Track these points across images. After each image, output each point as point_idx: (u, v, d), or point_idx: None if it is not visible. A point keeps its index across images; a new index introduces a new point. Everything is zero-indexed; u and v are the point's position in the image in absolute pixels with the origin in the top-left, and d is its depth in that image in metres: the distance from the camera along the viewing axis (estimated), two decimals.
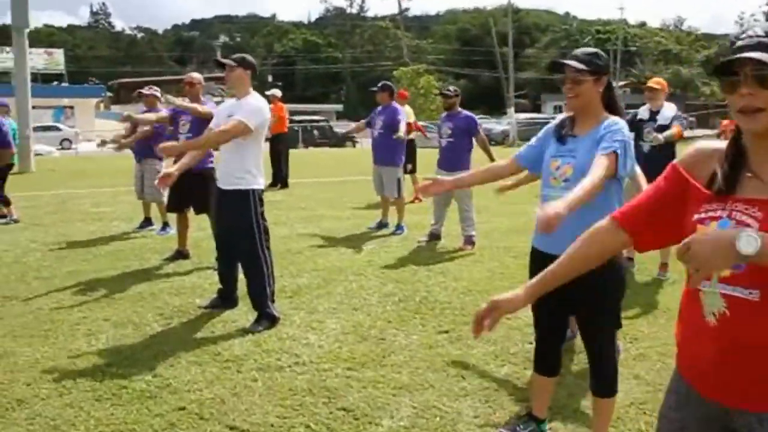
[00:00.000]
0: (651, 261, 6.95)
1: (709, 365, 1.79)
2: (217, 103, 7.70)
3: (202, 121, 6.69)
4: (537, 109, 71.64)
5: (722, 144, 1.84)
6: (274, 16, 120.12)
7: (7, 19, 24.12)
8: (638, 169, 4.86)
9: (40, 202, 12.67)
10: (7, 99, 12.80)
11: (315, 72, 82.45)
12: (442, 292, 6.31)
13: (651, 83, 6.89)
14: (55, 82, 56.13)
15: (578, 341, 4.44)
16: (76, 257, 7.77)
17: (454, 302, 5.99)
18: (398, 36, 77.99)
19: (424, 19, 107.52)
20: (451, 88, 8.72)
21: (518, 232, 9.37)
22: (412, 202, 11.63)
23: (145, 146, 9.19)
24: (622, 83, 67.18)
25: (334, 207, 12.00)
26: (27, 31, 22.19)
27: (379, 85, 9.62)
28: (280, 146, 15.12)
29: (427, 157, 13.12)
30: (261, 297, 5.35)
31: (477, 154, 8.47)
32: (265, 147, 6.26)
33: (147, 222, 9.68)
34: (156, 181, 5.82)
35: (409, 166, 11.31)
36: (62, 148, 36.84)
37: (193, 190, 7.19)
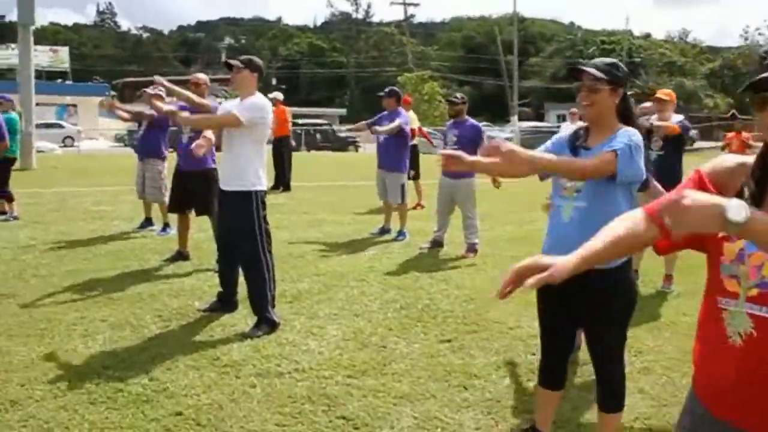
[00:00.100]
0: (655, 273, 6.87)
1: (728, 386, 1.72)
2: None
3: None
4: (540, 117, 71.65)
5: (747, 158, 1.77)
6: (279, 19, 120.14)
7: (14, 16, 24.11)
8: (657, 184, 4.81)
9: (41, 199, 12.61)
10: (11, 95, 12.75)
11: (319, 76, 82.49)
12: (444, 300, 6.24)
13: (660, 94, 6.83)
14: (60, 80, 56.10)
15: (582, 353, 4.38)
16: (76, 256, 7.70)
17: (456, 311, 5.91)
18: (403, 42, 77.97)
19: (430, 26, 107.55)
20: (459, 95, 8.65)
21: (522, 241, 9.31)
22: (414, 208, 11.58)
23: (147, 146, 9.15)
24: None
25: (336, 211, 11.93)
26: (32, 27, 22.16)
27: (386, 90, 9.57)
28: (282, 149, 15.08)
29: (431, 164, 13.09)
30: (261, 301, 5.27)
31: None
32: (268, 150, 6.19)
33: (147, 222, 9.62)
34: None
35: (412, 172, 11.24)
36: (65, 146, 36.85)
37: (195, 191, 7.15)
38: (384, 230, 9.62)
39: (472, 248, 8.30)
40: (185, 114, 5.74)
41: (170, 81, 6.84)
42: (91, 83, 61.86)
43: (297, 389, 4.15)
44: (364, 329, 5.35)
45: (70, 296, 6.07)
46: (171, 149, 9.12)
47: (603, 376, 3.28)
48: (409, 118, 9.81)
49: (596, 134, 3.16)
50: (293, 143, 22.18)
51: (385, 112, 9.37)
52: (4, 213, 10.39)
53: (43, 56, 50.71)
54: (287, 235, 9.14)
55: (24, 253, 7.77)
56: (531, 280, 1.74)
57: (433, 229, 8.86)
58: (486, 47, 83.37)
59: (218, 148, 6.20)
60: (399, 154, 9.27)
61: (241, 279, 5.53)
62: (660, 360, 4.86)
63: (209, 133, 5.95)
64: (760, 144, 1.69)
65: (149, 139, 9.13)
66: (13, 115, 11.09)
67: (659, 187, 4.89)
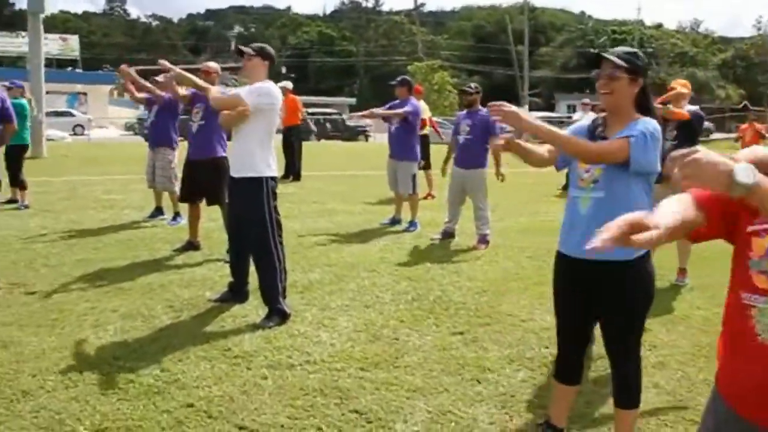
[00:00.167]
0: (669, 267, 6.80)
1: (755, 384, 1.68)
2: None
3: (214, 111, 6.59)
4: (550, 108, 71.42)
5: None
6: (289, 8, 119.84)
7: (24, 4, 24.09)
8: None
9: (51, 188, 12.62)
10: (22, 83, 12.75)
11: (329, 65, 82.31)
12: (456, 292, 6.19)
13: (675, 84, 6.74)
14: (70, 68, 56.16)
15: (596, 347, 4.32)
16: (86, 245, 7.69)
17: (468, 303, 5.87)
18: (413, 31, 77.76)
19: (440, 15, 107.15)
20: (472, 85, 8.57)
21: (533, 232, 9.26)
22: (425, 198, 11.53)
23: (158, 134, 9.12)
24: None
25: (347, 201, 11.90)
26: (42, 15, 22.15)
27: (399, 79, 9.51)
28: (292, 138, 15.03)
29: (441, 154, 13.03)
30: (272, 292, 5.24)
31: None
32: (278, 139, 6.16)
33: (158, 211, 9.60)
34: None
35: (423, 162, 11.18)
36: (75, 134, 36.93)
37: (205, 180, 7.11)
38: (395, 220, 9.58)
39: (483, 240, 8.24)
40: (215, 89, 5.76)
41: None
42: (100, 71, 61.91)
43: (309, 381, 4.12)
44: (376, 321, 5.31)
45: (81, 286, 6.05)
46: (181, 138, 9.10)
47: (619, 372, 3.24)
48: (420, 108, 9.73)
49: (614, 124, 3.10)
50: (314, 128, 22.26)
51: (397, 101, 9.31)
52: (15, 201, 10.41)
53: (53, 44, 50.75)
54: (298, 224, 9.11)
55: (34, 242, 7.77)
56: (641, 237, 1.56)
57: (444, 219, 8.81)
58: (496, 37, 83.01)
59: (229, 137, 6.17)
60: (409, 142, 9.21)
61: (252, 269, 5.50)
62: (674, 354, 4.81)
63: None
64: None
65: (159, 128, 9.09)
66: (23, 100, 11.08)
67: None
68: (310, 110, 35.99)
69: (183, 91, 7.29)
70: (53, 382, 3.99)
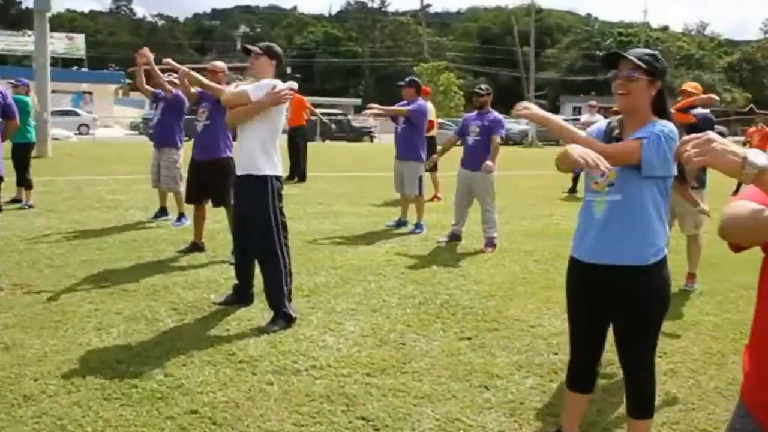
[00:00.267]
0: (678, 272, 6.71)
1: None
2: None
3: (219, 111, 6.55)
4: (556, 110, 71.29)
5: None
6: (295, 8, 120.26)
7: (30, 3, 24.08)
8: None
9: (55, 187, 12.58)
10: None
11: (334, 65, 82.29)
12: (463, 296, 6.12)
13: (687, 87, 6.66)
14: (75, 67, 56.23)
15: (606, 354, 4.25)
16: (90, 246, 7.63)
17: (476, 307, 5.80)
18: (419, 32, 77.67)
19: (445, 16, 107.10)
20: (483, 86, 8.48)
21: (539, 235, 9.21)
22: (431, 200, 11.47)
23: (163, 134, 9.07)
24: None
25: (352, 203, 11.84)
26: (49, 14, 22.13)
27: (406, 80, 9.44)
28: (297, 139, 14.98)
29: (448, 156, 12.96)
30: (277, 295, 5.17)
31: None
32: (283, 139, 6.09)
33: (162, 212, 9.55)
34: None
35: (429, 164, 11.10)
36: (80, 134, 36.96)
37: (211, 181, 7.06)
38: (401, 222, 9.52)
39: (490, 243, 8.17)
40: (229, 88, 5.70)
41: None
42: (106, 71, 62.04)
43: (315, 387, 4.05)
44: (383, 325, 5.24)
45: (85, 287, 5.99)
46: (186, 138, 9.05)
47: (633, 381, 3.16)
48: (428, 109, 9.66)
49: (630, 126, 3.03)
50: (333, 126, 22.19)
51: (404, 102, 9.24)
52: (19, 201, 10.37)
53: (59, 43, 50.80)
54: (303, 226, 9.04)
55: (38, 243, 7.72)
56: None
57: (450, 222, 8.74)
58: (502, 38, 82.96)
59: (234, 137, 6.11)
60: (415, 143, 9.14)
61: (257, 272, 5.43)
62: (685, 362, 4.74)
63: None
64: None
65: (164, 127, 9.04)
66: (26, 97, 11.03)
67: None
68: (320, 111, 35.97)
69: (192, 88, 7.25)
70: (55, 386, 3.93)
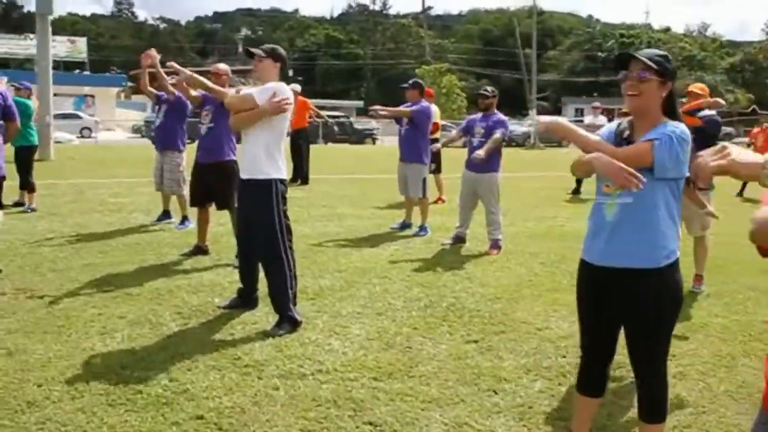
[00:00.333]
0: (685, 274, 6.63)
1: None
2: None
3: (223, 113, 6.51)
4: (558, 111, 71.26)
5: None
6: (296, 10, 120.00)
7: (32, 6, 24.08)
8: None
9: (57, 191, 12.55)
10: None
11: (336, 68, 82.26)
12: (469, 299, 6.07)
13: (693, 88, 6.61)
14: (77, 71, 56.26)
15: (615, 357, 4.20)
16: (93, 249, 7.59)
17: (482, 310, 5.75)
18: (420, 34, 77.65)
19: (447, 18, 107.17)
20: (489, 88, 8.44)
21: (544, 237, 9.17)
22: (435, 202, 11.42)
23: (165, 138, 9.03)
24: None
25: (355, 205, 11.80)
26: (51, 17, 22.11)
27: (410, 82, 9.40)
28: (300, 142, 14.94)
29: (452, 158, 12.91)
30: (282, 298, 5.12)
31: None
32: (286, 142, 6.04)
33: (165, 215, 9.50)
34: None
35: (433, 166, 11.07)
36: (82, 137, 36.95)
37: (214, 184, 7.02)
38: (405, 225, 9.47)
39: (495, 245, 8.13)
40: (231, 91, 5.64)
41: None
42: (108, 74, 62.05)
43: (321, 392, 4.01)
44: (389, 329, 5.19)
45: (88, 291, 5.95)
46: (190, 140, 9.02)
47: (645, 385, 3.12)
48: (431, 110, 9.61)
49: (640, 128, 2.99)
50: (335, 128, 22.25)
51: (408, 104, 9.19)
52: (22, 204, 10.34)
53: (61, 47, 50.84)
54: (307, 229, 9.00)
55: (41, 246, 7.68)
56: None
57: (455, 224, 8.70)
58: (503, 40, 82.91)
59: (238, 140, 6.07)
60: (419, 145, 9.09)
61: (262, 275, 5.39)
62: (695, 364, 4.70)
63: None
64: None
65: (167, 130, 8.99)
66: (28, 100, 11.00)
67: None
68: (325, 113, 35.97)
69: (194, 92, 7.21)
70: (59, 392, 3.89)
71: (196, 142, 7.23)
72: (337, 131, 37.96)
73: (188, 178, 7.74)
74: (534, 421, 3.77)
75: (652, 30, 79.16)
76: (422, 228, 9.15)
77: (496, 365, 4.54)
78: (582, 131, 3.06)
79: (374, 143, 38.62)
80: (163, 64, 7.50)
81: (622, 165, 2.75)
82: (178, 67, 6.36)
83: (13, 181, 10.39)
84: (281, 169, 5.16)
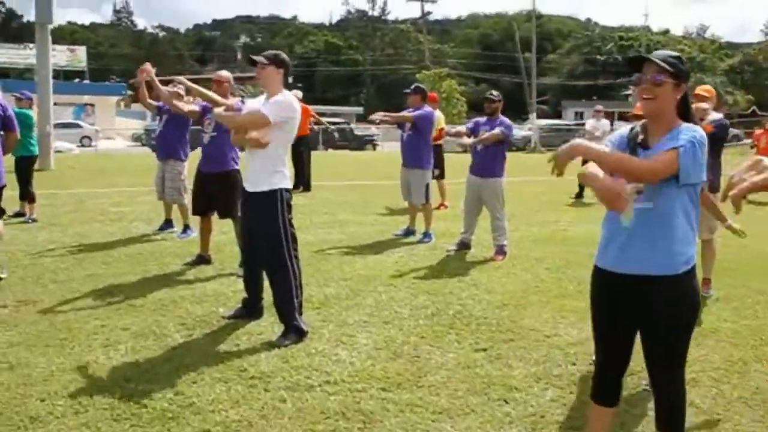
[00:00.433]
0: None
1: None
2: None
3: None
4: (558, 115, 71.23)
5: None
6: (295, 17, 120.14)
7: (32, 16, 24.06)
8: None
9: (58, 200, 12.47)
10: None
11: (335, 74, 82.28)
12: (476, 306, 6.01)
13: (699, 90, 6.55)
14: (77, 80, 56.29)
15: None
16: (95, 260, 7.53)
17: (489, 317, 5.68)
18: (419, 40, 77.61)
19: (446, 23, 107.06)
20: (495, 93, 8.38)
21: (549, 242, 9.10)
22: (438, 208, 11.35)
23: (167, 147, 8.97)
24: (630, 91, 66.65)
25: (358, 212, 11.73)
26: (50, 27, 22.08)
27: (412, 87, 9.33)
28: (301, 148, 14.87)
29: (455, 163, 12.86)
30: (288, 308, 5.05)
31: (513, 160, 8.23)
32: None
33: (167, 224, 9.44)
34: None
35: (437, 172, 11.00)
36: (82, 146, 36.91)
37: (217, 193, 6.95)
38: (409, 231, 9.40)
39: (500, 251, 8.06)
40: (219, 110, 5.53)
41: (189, 80, 6.65)
42: (108, 83, 62.10)
43: (329, 404, 3.94)
44: (396, 338, 5.13)
45: (90, 303, 5.88)
46: (192, 149, 8.97)
47: (663, 394, 3.04)
48: (434, 115, 9.54)
49: (655, 132, 2.92)
50: (335, 134, 22.27)
51: (410, 110, 9.13)
52: (23, 215, 10.28)
53: (61, 56, 50.84)
54: (310, 236, 8.92)
55: (42, 257, 7.62)
56: None
57: (459, 230, 8.63)
58: (502, 44, 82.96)
59: (241, 148, 6.00)
60: (421, 150, 9.03)
61: (267, 284, 5.32)
62: (707, 370, 4.63)
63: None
64: None
65: (168, 139, 8.94)
66: (29, 110, 10.95)
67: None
68: (325, 119, 35.93)
69: (190, 106, 7.18)
70: (62, 407, 3.82)
71: (198, 150, 7.17)
72: (338, 137, 37.87)
73: (190, 186, 7.67)
74: (547, 431, 3.71)
75: (651, 32, 79.11)
76: (426, 234, 9.08)
77: (505, 374, 4.47)
78: (601, 149, 2.96)
79: (375, 149, 38.54)
80: (161, 73, 7.45)
81: (611, 185, 2.74)
82: (187, 83, 6.33)
83: (13, 191, 10.35)
84: (286, 178, 5.10)
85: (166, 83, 7.94)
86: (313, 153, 16.29)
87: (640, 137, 2.95)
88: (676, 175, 2.76)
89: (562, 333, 5.32)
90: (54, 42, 24.53)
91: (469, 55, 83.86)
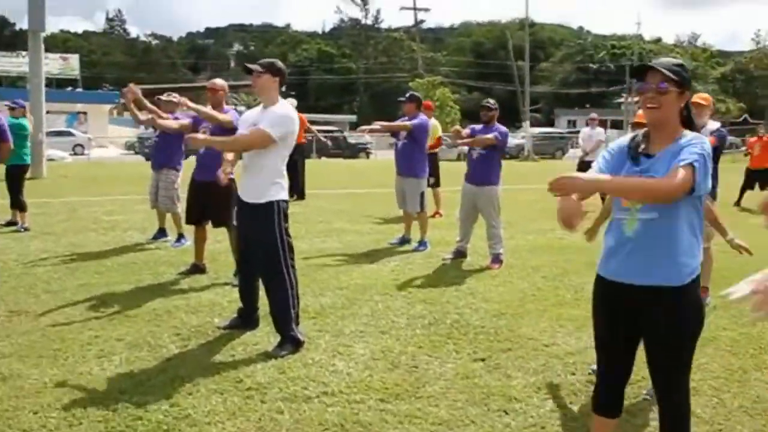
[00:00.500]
0: None
1: None
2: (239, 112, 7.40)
3: (222, 131, 6.41)
4: (550, 123, 71.49)
5: None
6: (288, 25, 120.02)
7: (24, 24, 24.00)
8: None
9: (51, 209, 12.40)
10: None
11: (329, 82, 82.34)
12: (473, 315, 5.96)
13: (696, 98, 6.53)
14: (70, 88, 56.17)
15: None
16: (88, 269, 7.46)
17: (487, 326, 5.64)
18: (412, 48, 77.74)
19: (439, 32, 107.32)
20: (491, 101, 8.37)
21: (545, 250, 9.07)
22: (432, 216, 11.31)
23: (162, 156, 8.93)
24: (636, 99, 66.95)
25: (353, 220, 11.68)
26: (43, 35, 22.02)
27: (407, 95, 9.30)
28: (296, 157, 14.82)
29: (450, 171, 12.83)
30: (284, 317, 4.99)
31: (507, 168, 8.21)
32: None
33: (161, 233, 9.38)
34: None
35: (432, 180, 10.98)
36: (75, 154, 36.81)
37: (211, 202, 6.89)
38: (404, 240, 9.36)
39: (497, 259, 8.02)
40: (223, 139, 5.43)
41: (181, 88, 6.62)
42: (100, 91, 62.01)
43: (328, 415, 3.88)
44: (393, 347, 5.08)
45: (84, 313, 5.82)
46: (186, 157, 8.92)
47: (668, 406, 3.00)
48: (429, 123, 9.51)
49: (659, 140, 2.88)
50: (329, 143, 22.25)
51: (405, 118, 9.10)
52: (15, 223, 10.19)
53: (53, 64, 50.76)
54: (305, 245, 8.86)
55: (35, 267, 7.54)
56: None
57: (454, 238, 8.59)
58: (495, 53, 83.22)
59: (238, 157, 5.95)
60: (415, 159, 8.99)
61: (262, 294, 5.26)
62: (707, 379, 4.59)
63: (230, 156, 5.74)
64: None
65: (163, 148, 8.90)
66: (23, 120, 10.87)
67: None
68: (317, 128, 35.88)
69: (179, 122, 7.20)
70: (56, 419, 3.75)
71: (192, 158, 7.12)
72: (331, 146, 37.82)
73: (183, 195, 7.62)
74: None
75: (643, 41, 79.42)
76: (422, 243, 9.04)
77: (504, 384, 4.43)
78: (600, 177, 2.86)
79: (368, 157, 38.57)
80: (153, 81, 7.42)
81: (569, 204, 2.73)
82: (189, 103, 6.32)
83: (3, 200, 10.29)
84: (284, 189, 5.06)
85: (155, 92, 7.92)
86: (307, 161, 16.27)
87: (642, 147, 2.91)
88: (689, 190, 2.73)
89: (560, 342, 5.28)
90: (47, 50, 24.50)
91: (462, 63, 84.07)
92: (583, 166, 13.80)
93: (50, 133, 27.37)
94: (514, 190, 16.30)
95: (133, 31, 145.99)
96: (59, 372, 4.45)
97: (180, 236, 8.91)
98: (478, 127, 8.27)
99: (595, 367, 4.52)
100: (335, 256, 8.41)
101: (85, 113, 49.59)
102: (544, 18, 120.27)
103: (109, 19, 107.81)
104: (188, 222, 7.37)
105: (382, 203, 12.72)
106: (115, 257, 8.15)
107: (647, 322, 2.90)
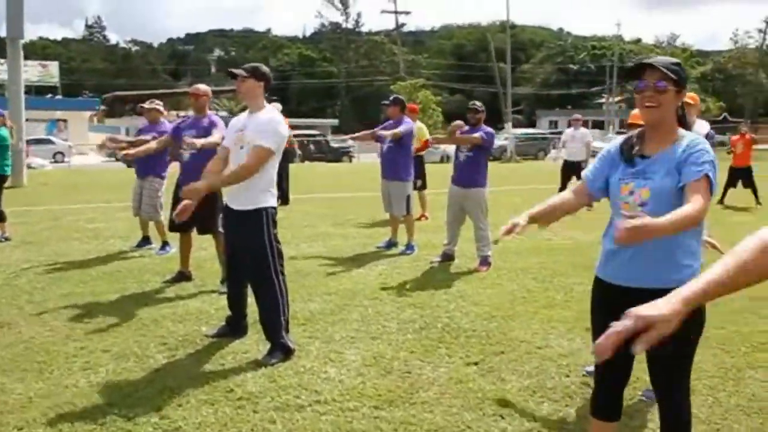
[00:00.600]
0: None
1: None
2: (224, 118, 7.31)
3: (204, 130, 6.35)
4: (532, 124, 71.73)
5: None
6: (269, 30, 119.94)
7: (2, 31, 23.75)
8: None
9: (32, 218, 12.22)
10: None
11: (310, 87, 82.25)
12: (464, 318, 5.91)
13: (685, 98, 6.51)
14: (49, 95, 55.70)
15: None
16: (72, 279, 7.33)
17: (478, 329, 5.58)
18: (394, 51, 77.78)
19: (420, 35, 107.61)
20: (478, 103, 8.33)
21: (532, 252, 9.03)
22: (418, 219, 11.26)
23: (148, 163, 8.79)
24: (617, 99, 67.30)
25: (339, 224, 11.60)
26: (22, 42, 21.79)
27: (391, 98, 9.24)
28: (281, 162, 14.72)
29: (436, 173, 12.78)
30: (274, 325, 4.91)
31: (489, 170, 8.19)
32: None
33: (145, 240, 9.25)
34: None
35: (419, 182, 10.92)
36: (55, 162, 36.46)
37: (198, 209, 6.77)
38: (391, 243, 9.30)
39: (485, 261, 7.98)
40: (223, 175, 5.24)
41: (162, 94, 6.54)
42: (80, 98, 61.57)
43: (321, 424, 3.81)
44: (385, 353, 5.01)
45: (68, 324, 5.69)
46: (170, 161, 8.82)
47: (669, 407, 2.95)
48: (414, 126, 9.45)
49: (655, 140, 2.84)
50: (311, 147, 22.21)
51: (390, 122, 9.04)
52: None
53: (32, 71, 50.24)
54: (292, 250, 8.77)
55: (17, 277, 7.40)
56: (639, 347, 1.64)
57: (441, 241, 8.55)
58: (476, 55, 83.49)
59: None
60: (400, 162, 8.93)
61: (251, 301, 5.18)
62: (702, 378, 4.56)
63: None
64: None
65: (148, 158, 8.75)
66: (3, 130, 10.67)
67: None
68: (294, 132, 35.77)
69: (159, 141, 7.19)
70: None
71: (176, 164, 7.02)
72: (314, 150, 37.78)
73: (168, 201, 7.52)
74: None
75: (623, 41, 79.92)
76: (409, 246, 8.98)
77: (499, 388, 4.38)
78: (664, 223, 2.53)
79: (351, 161, 38.53)
80: (133, 87, 7.37)
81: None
82: (196, 143, 6.28)
83: None
84: (273, 197, 4.97)
85: (136, 98, 7.85)
86: (290, 165, 16.16)
87: (636, 149, 2.87)
88: (681, 187, 2.69)
89: (552, 344, 5.23)
90: (26, 57, 24.21)
91: (444, 66, 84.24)
92: (567, 166, 13.79)
93: (30, 141, 27.11)
94: (498, 191, 16.29)
95: (113, 37, 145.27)
96: (44, 385, 4.34)
97: (164, 244, 8.80)
98: (465, 128, 8.25)
99: (588, 368, 4.51)
100: (322, 261, 8.33)
101: (65, 120, 49.17)
102: (525, 20, 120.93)
103: (88, 26, 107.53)
104: (171, 229, 7.25)
105: (368, 207, 12.65)
106: (99, 266, 8.03)
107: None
